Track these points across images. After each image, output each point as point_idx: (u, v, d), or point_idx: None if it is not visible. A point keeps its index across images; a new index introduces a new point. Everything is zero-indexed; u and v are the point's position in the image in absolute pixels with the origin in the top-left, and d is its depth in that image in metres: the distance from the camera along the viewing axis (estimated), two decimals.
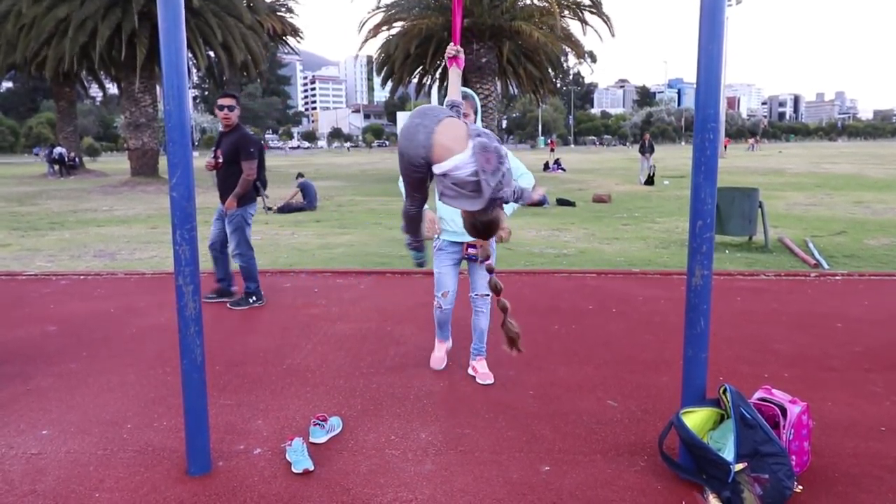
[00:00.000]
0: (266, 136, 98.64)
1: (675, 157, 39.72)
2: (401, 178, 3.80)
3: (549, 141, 53.87)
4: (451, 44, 2.95)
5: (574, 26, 33.04)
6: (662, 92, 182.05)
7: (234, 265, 5.59)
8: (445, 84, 23.42)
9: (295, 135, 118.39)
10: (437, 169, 2.42)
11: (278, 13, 33.32)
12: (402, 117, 23.81)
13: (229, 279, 5.72)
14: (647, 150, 21.25)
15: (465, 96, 3.27)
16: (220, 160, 5.37)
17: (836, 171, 25.99)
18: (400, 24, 25.00)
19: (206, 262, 5.65)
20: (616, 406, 3.42)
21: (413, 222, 2.88)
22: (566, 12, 24.25)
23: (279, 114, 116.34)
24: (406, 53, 24.28)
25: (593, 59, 58.91)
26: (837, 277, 6.51)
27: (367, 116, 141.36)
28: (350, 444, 3.00)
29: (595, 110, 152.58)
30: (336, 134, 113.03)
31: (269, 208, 12.87)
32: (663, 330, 4.75)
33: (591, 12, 24.50)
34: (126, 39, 21.68)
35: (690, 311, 2.69)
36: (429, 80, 27.47)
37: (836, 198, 15.15)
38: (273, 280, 6.45)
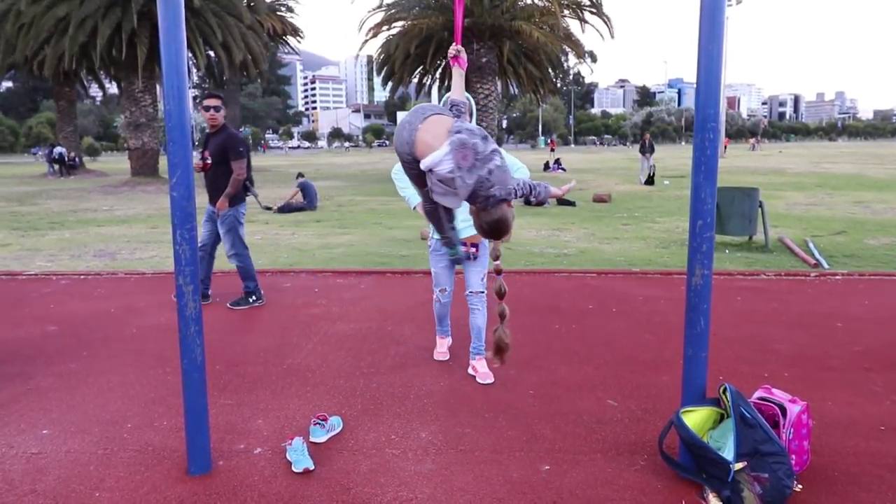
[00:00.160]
0: (266, 135, 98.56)
1: (675, 157, 39.70)
2: (393, 174, 3.82)
3: (549, 141, 53.83)
4: (454, 44, 2.94)
5: (574, 26, 33.02)
6: (663, 92, 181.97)
7: (232, 266, 5.58)
8: (447, 83, 23.40)
9: (295, 135, 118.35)
10: (421, 165, 2.43)
11: (278, 13, 33.38)
12: (402, 117, 23.69)
13: (207, 281, 5.66)
14: (647, 150, 21.24)
15: None
16: (209, 161, 5.35)
17: (837, 170, 25.97)
18: (400, 23, 24.99)
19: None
20: (616, 405, 3.42)
21: (433, 217, 2.87)
22: (566, 12, 24.24)
23: (279, 114, 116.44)
24: (406, 53, 24.28)
25: (593, 58, 58.86)
26: (837, 277, 6.51)
27: (367, 116, 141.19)
28: (350, 444, 3.00)
29: (595, 110, 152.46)
30: (336, 134, 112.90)
31: (269, 208, 12.88)
32: (663, 329, 4.75)
33: (592, 12, 24.51)
34: (126, 39, 21.68)
35: (690, 311, 2.70)
36: (429, 80, 27.50)
37: (837, 198, 15.15)
38: (273, 280, 6.46)
